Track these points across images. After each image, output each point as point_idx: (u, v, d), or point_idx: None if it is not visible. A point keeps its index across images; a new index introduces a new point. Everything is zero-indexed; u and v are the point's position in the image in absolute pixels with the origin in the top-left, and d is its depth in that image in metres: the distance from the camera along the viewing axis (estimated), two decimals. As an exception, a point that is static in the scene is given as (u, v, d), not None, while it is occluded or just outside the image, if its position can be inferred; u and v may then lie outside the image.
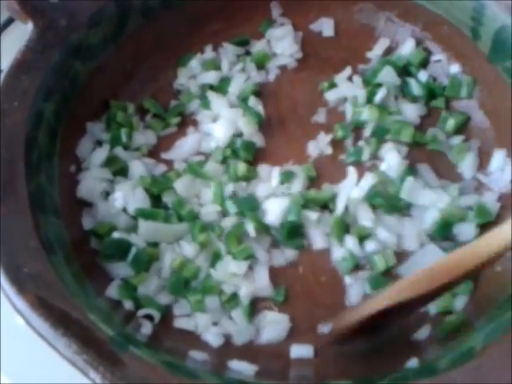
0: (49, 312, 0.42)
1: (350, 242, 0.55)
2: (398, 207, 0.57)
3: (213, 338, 0.51)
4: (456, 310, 0.52)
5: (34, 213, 0.49)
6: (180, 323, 0.52)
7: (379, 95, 0.64)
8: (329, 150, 0.62)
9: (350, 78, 0.66)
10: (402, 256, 0.55)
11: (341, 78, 0.66)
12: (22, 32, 0.58)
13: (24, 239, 0.46)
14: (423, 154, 0.61)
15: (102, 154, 0.59)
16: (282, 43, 0.68)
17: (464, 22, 0.62)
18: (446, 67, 0.65)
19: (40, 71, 0.56)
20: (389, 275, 0.54)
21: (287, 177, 0.59)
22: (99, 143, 0.61)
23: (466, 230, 0.56)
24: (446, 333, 0.51)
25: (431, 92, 0.64)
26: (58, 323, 0.42)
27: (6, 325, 0.54)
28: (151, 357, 0.43)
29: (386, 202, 0.56)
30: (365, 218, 0.56)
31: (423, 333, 0.51)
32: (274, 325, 0.52)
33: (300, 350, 0.51)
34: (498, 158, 0.60)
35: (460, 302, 0.53)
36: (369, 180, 0.57)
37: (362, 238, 0.56)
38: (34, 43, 0.57)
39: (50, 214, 0.51)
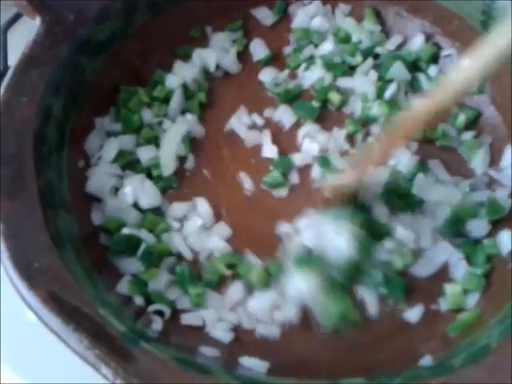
0: (60, 307, 0.42)
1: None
2: (412, 204, 0.56)
3: (222, 333, 0.51)
4: (468, 307, 0.52)
5: (44, 208, 0.48)
6: (187, 319, 0.52)
7: (389, 91, 0.63)
8: (345, 146, 0.61)
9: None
10: (415, 254, 0.55)
11: (361, 69, 0.65)
12: (28, 29, 0.58)
13: (34, 234, 0.46)
14: (434, 150, 0.61)
15: (112, 149, 0.59)
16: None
17: (474, 16, 0.62)
18: (457, 62, 0.65)
19: (48, 66, 0.55)
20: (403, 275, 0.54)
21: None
22: (108, 135, 0.61)
23: (478, 226, 0.55)
24: (458, 330, 0.50)
25: (441, 87, 0.64)
26: (70, 318, 0.41)
27: (12, 321, 0.54)
28: (162, 353, 0.43)
29: (400, 198, 0.56)
30: (381, 215, 0.55)
31: (436, 330, 0.51)
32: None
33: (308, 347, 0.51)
34: (509, 153, 0.59)
35: (472, 299, 0.52)
36: (381, 176, 0.57)
37: (381, 237, 0.55)
38: (42, 38, 0.56)
39: (59, 209, 0.51)
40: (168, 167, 0.59)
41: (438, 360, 0.46)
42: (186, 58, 0.67)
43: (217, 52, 0.66)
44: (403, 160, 0.58)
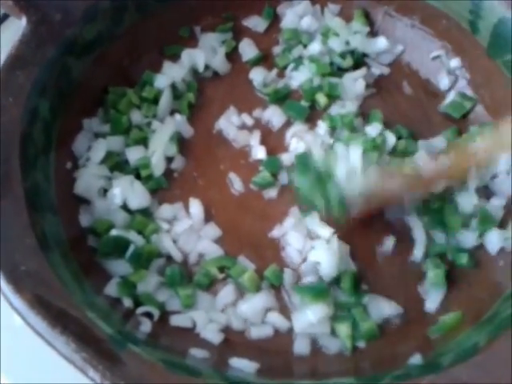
0: (46, 310, 0.41)
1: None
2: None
3: (212, 335, 0.51)
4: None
5: (30, 210, 0.48)
6: (176, 321, 0.52)
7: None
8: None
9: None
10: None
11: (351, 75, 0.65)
12: (17, 28, 0.57)
13: (20, 237, 0.46)
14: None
15: (100, 150, 0.59)
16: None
17: (463, 15, 0.62)
18: (446, 62, 0.65)
19: (35, 67, 0.55)
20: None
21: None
22: (96, 136, 0.60)
23: (468, 236, 0.55)
24: (440, 332, 0.50)
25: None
26: (56, 321, 0.41)
27: (6, 324, 0.54)
28: (150, 355, 0.43)
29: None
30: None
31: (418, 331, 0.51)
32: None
33: (300, 347, 0.51)
34: (502, 160, 0.58)
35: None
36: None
37: None
38: (29, 38, 0.56)
39: (46, 211, 0.51)
40: (158, 167, 0.59)
41: (426, 359, 0.46)
42: (175, 58, 0.66)
43: (206, 52, 0.66)
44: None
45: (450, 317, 0.51)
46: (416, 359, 0.47)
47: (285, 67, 0.67)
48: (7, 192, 0.48)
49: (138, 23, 0.65)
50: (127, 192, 0.57)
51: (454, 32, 0.63)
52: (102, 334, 0.42)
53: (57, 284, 0.44)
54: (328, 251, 0.52)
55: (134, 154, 0.59)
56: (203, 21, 0.68)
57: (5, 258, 0.44)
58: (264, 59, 0.68)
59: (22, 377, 0.53)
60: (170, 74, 0.64)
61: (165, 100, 0.63)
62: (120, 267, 0.53)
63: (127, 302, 0.51)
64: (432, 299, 0.52)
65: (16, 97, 0.53)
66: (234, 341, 0.51)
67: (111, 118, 0.61)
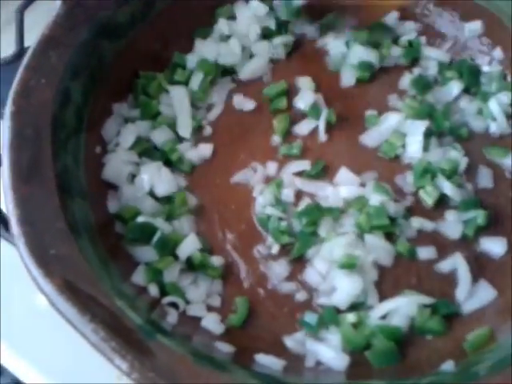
0: (76, 296, 0.41)
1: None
2: None
3: (212, 325, 0.50)
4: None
5: (61, 194, 0.47)
6: (193, 311, 0.51)
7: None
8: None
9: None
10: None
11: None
12: (44, 10, 0.57)
13: (51, 221, 0.45)
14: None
15: (129, 135, 0.58)
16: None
17: (505, 12, 0.60)
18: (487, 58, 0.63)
19: (68, 48, 0.54)
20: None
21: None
22: (126, 121, 0.59)
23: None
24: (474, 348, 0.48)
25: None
26: (86, 308, 0.40)
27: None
28: (179, 347, 0.42)
29: None
30: None
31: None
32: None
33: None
34: None
35: None
36: None
37: None
38: (63, 19, 0.55)
39: (76, 195, 0.50)
40: (186, 128, 0.58)
41: (460, 366, 0.45)
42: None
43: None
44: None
45: (479, 333, 0.48)
46: (448, 365, 0.45)
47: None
48: (37, 175, 0.47)
49: (171, 6, 0.63)
50: (155, 178, 0.56)
51: (495, 29, 0.62)
52: (131, 323, 0.42)
53: (86, 269, 0.43)
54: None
55: (160, 137, 0.59)
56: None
57: (35, 241, 0.43)
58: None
59: (40, 361, 0.53)
60: (200, 54, 0.63)
61: (196, 80, 0.61)
62: (146, 254, 0.52)
63: (153, 291, 0.50)
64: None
65: (48, 78, 0.52)
66: (261, 336, 0.50)
67: (141, 102, 0.60)
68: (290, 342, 0.49)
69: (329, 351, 0.47)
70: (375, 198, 0.54)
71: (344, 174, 0.57)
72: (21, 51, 0.67)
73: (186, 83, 0.62)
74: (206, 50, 0.63)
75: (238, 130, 0.61)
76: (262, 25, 0.64)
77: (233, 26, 0.65)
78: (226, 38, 0.64)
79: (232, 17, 0.65)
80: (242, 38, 0.64)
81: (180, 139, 0.60)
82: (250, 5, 0.65)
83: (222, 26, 0.64)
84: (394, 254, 0.53)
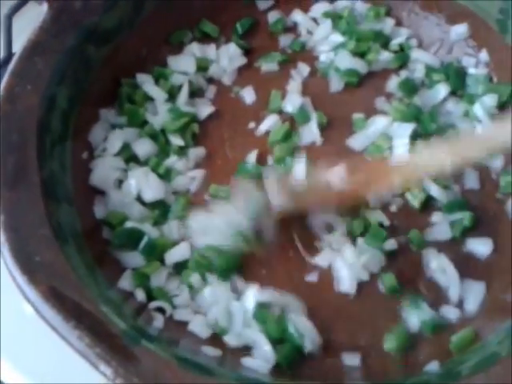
0: (61, 303, 0.41)
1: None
2: None
3: (200, 329, 0.50)
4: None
5: (46, 200, 0.47)
6: (179, 315, 0.51)
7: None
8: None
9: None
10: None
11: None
12: (32, 16, 0.57)
13: (36, 227, 0.45)
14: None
15: (116, 141, 0.58)
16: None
17: (491, 14, 0.60)
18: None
19: (54, 54, 0.54)
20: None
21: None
22: (113, 127, 0.59)
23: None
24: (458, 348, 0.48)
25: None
26: (70, 315, 0.40)
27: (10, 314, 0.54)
28: (164, 352, 0.42)
29: None
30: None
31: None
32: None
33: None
34: None
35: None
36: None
37: None
38: (49, 25, 0.55)
39: (62, 201, 0.50)
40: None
41: (444, 366, 0.45)
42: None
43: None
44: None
45: (464, 334, 0.48)
46: (433, 366, 0.46)
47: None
48: (23, 181, 0.47)
49: (159, 12, 0.63)
50: (142, 184, 0.56)
51: (480, 32, 0.62)
52: (115, 329, 0.42)
53: (71, 276, 0.43)
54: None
55: (142, 149, 0.58)
56: (230, 10, 0.66)
57: (19, 248, 0.43)
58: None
59: (30, 369, 0.53)
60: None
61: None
62: (134, 259, 0.52)
63: (140, 296, 0.50)
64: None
65: (34, 84, 0.52)
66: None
67: (127, 110, 0.60)
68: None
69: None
70: None
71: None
72: (9, 57, 0.67)
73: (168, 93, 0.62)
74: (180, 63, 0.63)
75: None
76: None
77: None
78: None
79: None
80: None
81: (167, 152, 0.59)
82: None
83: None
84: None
